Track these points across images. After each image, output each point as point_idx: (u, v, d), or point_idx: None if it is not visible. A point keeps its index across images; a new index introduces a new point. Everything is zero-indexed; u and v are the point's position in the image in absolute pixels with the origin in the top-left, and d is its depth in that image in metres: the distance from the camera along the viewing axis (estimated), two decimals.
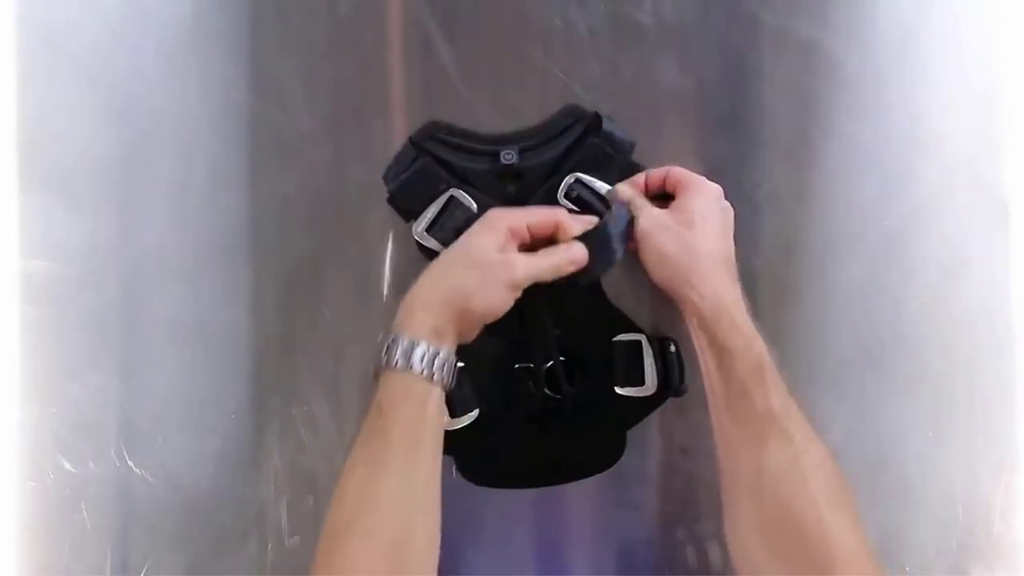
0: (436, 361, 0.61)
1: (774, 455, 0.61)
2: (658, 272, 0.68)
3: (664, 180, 0.71)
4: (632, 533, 0.74)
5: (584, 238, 0.66)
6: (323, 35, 0.72)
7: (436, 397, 0.61)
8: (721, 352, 0.64)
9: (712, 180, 0.71)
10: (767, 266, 0.74)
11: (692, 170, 0.73)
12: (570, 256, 0.65)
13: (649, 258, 0.68)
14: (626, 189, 0.71)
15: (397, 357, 0.61)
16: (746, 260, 0.73)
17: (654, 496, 0.74)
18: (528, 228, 0.65)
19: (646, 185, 0.71)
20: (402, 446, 0.60)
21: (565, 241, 0.66)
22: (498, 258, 0.63)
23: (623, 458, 0.73)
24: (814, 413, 0.73)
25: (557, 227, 0.66)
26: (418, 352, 0.61)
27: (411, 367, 0.60)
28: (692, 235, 0.67)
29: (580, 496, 0.74)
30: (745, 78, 0.73)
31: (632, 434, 0.73)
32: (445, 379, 0.62)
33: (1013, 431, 0.75)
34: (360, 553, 0.57)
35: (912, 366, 0.75)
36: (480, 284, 0.63)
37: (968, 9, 0.75)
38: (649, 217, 0.68)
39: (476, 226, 0.66)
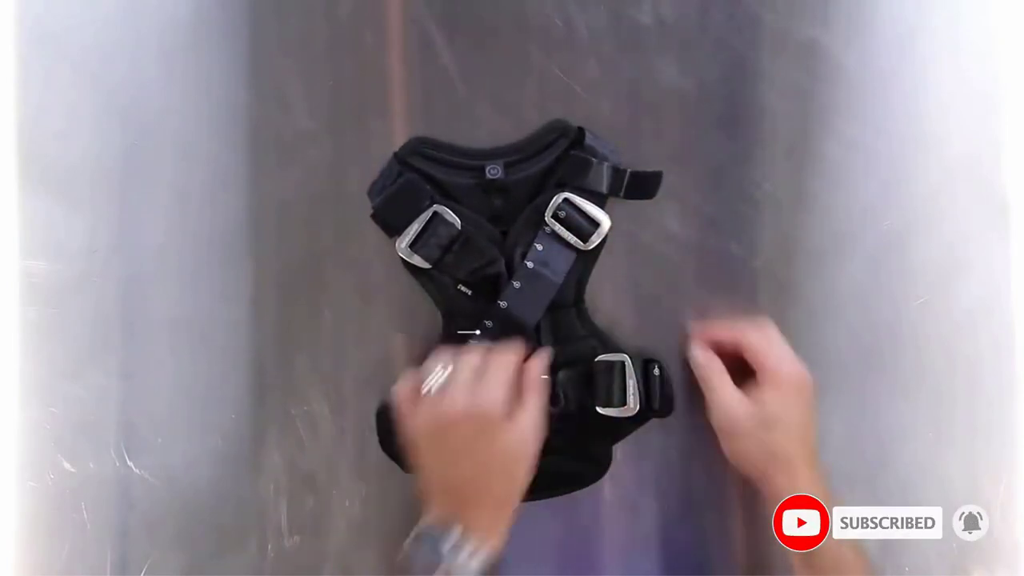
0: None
1: None
2: (735, 462, 0.69)
3: (741, 346, 0.70)
4: (633, 534, 0.74)
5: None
6: (323, 35, 0.72)
7: None
8: None
9: (712, 180, 0.71)
10: (767, 266, 0.73)
11: (691, 170, 0.73)
12: (542, 384, 0.67)
13: (727, 452, 0.69)
14: (701, 357, 0.70)
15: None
16: (746, 260, 0.73)
17: (654, 496, 0.74)
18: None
19: (719, 343, 0.71)
20: None
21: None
22: (516, 438, 0.64)
23: (623, 459, 0.73)
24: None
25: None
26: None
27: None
28: (771, 438, 0.67)
29: (581, 497, 0.74)
30: (745, 78, 0.73)
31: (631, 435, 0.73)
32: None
33: (1013, 431, 0.75)
34: None
35: (912, 366, 0.75)
36: (517, 471, 0.64)
37: (968, 9, 0.75)
38: (724, 412, 0.68)
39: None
